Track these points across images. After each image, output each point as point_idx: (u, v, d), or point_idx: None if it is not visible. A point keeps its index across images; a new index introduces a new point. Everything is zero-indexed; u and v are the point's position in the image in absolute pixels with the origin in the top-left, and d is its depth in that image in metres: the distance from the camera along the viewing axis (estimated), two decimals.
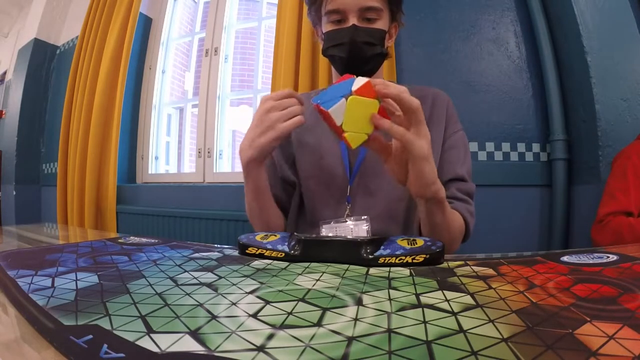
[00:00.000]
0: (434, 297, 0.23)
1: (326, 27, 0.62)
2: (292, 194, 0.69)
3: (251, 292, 0.24)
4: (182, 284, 0.27)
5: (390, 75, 1.16)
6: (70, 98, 1.98)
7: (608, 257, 0.31)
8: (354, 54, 0.59)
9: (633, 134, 0.99)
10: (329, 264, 0.33)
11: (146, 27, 1.95)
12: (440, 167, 0.62)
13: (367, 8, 0.58)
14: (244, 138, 0.52)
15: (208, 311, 0.21)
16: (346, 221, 0.59)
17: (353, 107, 0.38)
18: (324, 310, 0.21)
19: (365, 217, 0.59)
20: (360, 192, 0.62)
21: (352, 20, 0.58)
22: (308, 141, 0.67)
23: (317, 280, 0.27)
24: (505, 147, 1.22)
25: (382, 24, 0.60)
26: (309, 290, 0.25)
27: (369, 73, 0.62)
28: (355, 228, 0.58)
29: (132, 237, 0.51)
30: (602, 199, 0.89)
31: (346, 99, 0.38)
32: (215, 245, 0.45)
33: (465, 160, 0.64)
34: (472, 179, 0.63)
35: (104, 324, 0.19)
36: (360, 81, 0.39)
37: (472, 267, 0.30)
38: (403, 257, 0.32)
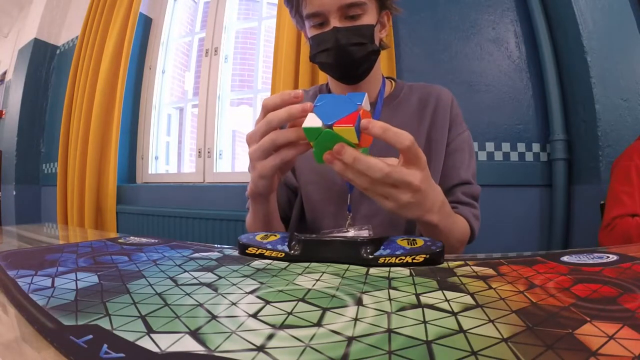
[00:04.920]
0: (434, 297, 0.23)
1: (310, 31, 0.58)
2: (294, 201, 0.66)
3: (251, 292, 0.24)
4: (182, 284, 0.26)
5: (390, 75, 1.15)
6: (70, 98, 1.98)
7: (608, 257, 0.31)
8: (342, 59, 0.55)
9: (633, 134, 0.99)
10: (329, 264, 0.33)
11: (146, 27, 1.95)
12: (444, 171, 0.61)
13: (348, 5, 0.53)
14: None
15: (208, 311, 0.21)
16: (348, 230, 0.57)
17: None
18: (324, 310, 0.21)
19: (368, 226, 0.57)
20: (361, 200, 0.60)
21: (334, 22, 0.54)
22: None
23: (317, 280, 0.27)
24: (505, 147, 1.22)
25: (368, 18, 0.55)
26: (309, 290, 0.25)
27: (363, 74, 0.59)
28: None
29: (132, 237, 0.51)
30: (607, 203, 0.88)
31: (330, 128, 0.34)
32: (215, 245, 0.44)
33: (470, 163, 0.62)
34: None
35: (104, 324, 0.19)
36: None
37: (472, 267, 0.30)
38: (403, 257, 0.32)
